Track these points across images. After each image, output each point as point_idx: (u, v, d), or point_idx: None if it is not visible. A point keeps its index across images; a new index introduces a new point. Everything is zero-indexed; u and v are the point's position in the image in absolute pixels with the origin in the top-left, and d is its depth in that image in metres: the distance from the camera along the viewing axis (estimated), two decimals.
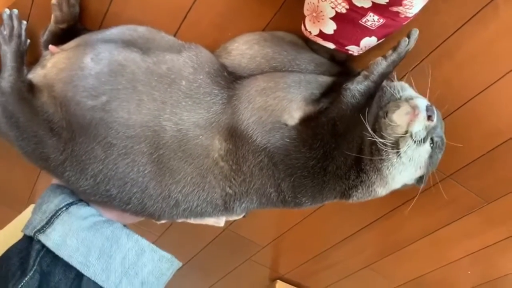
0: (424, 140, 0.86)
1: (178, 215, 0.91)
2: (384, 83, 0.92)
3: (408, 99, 0.86)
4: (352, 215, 1.36)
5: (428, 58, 0.93)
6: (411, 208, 1.13)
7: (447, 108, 0.99)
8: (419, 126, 0.84)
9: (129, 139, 0.83)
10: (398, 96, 0.89)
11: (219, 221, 1.18)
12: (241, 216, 1.08)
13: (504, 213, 1.26)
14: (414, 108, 0.85)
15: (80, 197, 0.92)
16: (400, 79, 0.96)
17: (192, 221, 1.00)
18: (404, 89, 0.92)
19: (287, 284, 1.77)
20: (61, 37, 0.92)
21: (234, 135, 0.86)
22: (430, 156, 0.90)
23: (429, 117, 0.84)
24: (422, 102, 0.85)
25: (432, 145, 0.89)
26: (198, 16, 0.92)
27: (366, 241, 1.48)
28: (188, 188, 0.88)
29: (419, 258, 1.54)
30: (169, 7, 0.91)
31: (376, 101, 0.91)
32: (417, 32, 0.87)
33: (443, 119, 1.00)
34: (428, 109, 0.85)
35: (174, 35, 0.94)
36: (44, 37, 0.94)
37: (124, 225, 1.04)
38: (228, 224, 1.48)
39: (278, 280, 1.76)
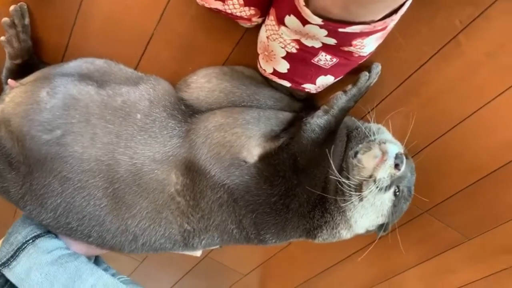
0: (388, 187, 0.84)
1: (138, 249, 0.90)
2: (360, 123, 0.90)
3: (381, 143, 0.84)
4: (329, 247, 1.32)
5: (393, 94, 0.90)
6: (392, 240, 1.10)
7: (416, 144, 0.96)
8: (384, 173, 0.82)
9: (84, 173, 0.82)
10: (372, 138, 0.86)
11: (195, 252, 1.16)
12: (217, 246, 1.06)
13: (485, 249, 1.21)
14: (384, 153, 0.82)
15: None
16: (379, 123, 0.94)
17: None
18: (380, 132, 0.90)
19: None
20: (21, 72, 0.92)
21: (192, 170, 0.85)
22: (394, 205, 0.87)
23: (396, 166, 0.82)
24: (393, 149, 0.83)
25: (397, 194, 0.86)
26: (157, 49, 0.91)
27: (349, 272, 1.44)
28: (145, 222, 0.86)
29: None
30: (128, 40, 0.90)
31: (341, 139, 0.89)
32: (379, 66, 0.85)
33: (415, 155, 0.98)
34: (397, 157, 0.82)
35: (135, 68, 0.93)
36: (3, 73, 0.94)
37: (96, 256, 1.03)
38: (208, 251, 1.46)
39: None
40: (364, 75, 0.84)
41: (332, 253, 1.38)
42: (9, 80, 0.89)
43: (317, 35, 0.69)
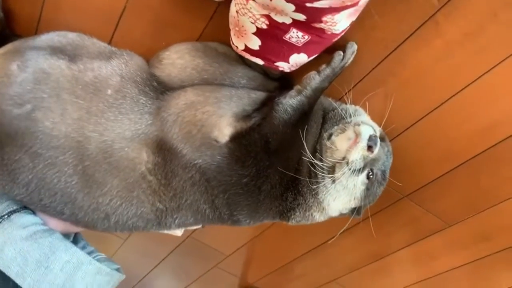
0: (361, 170, 0.82)
1: (111, 228, 0.89)
2: (337, 104, 0.89)
3: (355, 125, 0.83)
4: (312, 228, 1.32)
5: (370, 75, 0.88)
6: (372, 226, 1.09)
7: (394, 127, 0.94)
8: (357, 155, 0.81)
9: (54, 149, 0.81)
10: (349, 120, 0.85)
11: (176, 232, 1.16)
12: (199, 226, 1.06)
13: (466, 236, 1.21)
14: (358, 135, 0.81)
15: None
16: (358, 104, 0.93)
17: None
18: (357, 113, 0.89)
19: None
20: None
21: (163, 149, 0.84)
22: (367, 188, 0.86)
23: (369, 148, 0.81)
24: (366, 130, 0.82)
25: (371, 177, 0.84)
26: (130, 24, 0.89)
27: (329, 255, 1.44)
28: (116, 201, 0.85)
29: (385, 276, 1.49)
30: (100, 13, 0.88)
31: (316, 120, 0.88)
32: (354, 45, 0.83)
33: (393, 138, 0.96)
34: (371, 139, 0.81)
35: (109, 43, 0.91)
36: None
37: (76, 234, 1.03)
38: (191, 232, 1.46)
39: None
40: (338, 55, 0.82)
41: (316, 235, 1.37)
42: None
43: (285, 10, 0.66)
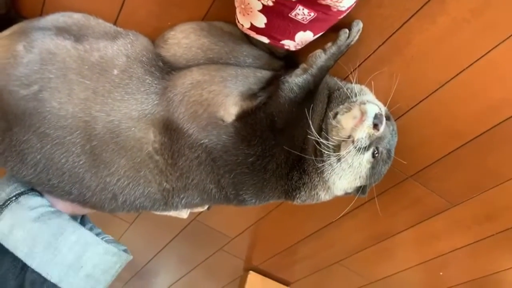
0: (367, 148, 0.83)
1: (118, 208, 0.90)
2: (342, 84, 0.89)
3: (361, 103, 0.83)
4: (316, 211, 1.33)
5: (376, 53, 0.88)
6: (380, 205, 1.10)
7: (399, 107, 0.95)
8: (362, 133, 0.81)
9: (62, 129, 0.82)
10: (354, 99, 0.85)
11: (181, 213, 1.17)
12: (204, 208, 1.06)
13: (470, 216, 1.21)
14: (363, 113, 0.81)
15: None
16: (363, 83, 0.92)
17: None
18: (362, 92, 0.89)
19: (260, 275, 1.76)
20: None
21: (170, 128, 0.84)
22: (373, 167, 0.86)
23: (375, 126, 0.81)
24: (372, 109, 0.82)
25: (376, 155, 0.85)
26: (136, 3, 0.89)
27: (332, 237, 1.45)
28: (123, 181, 0.86)
29: (389, 257, 1.51)
30: None
31: (322, 99, 0.88)
32: (360, 23, 0.83)
33: (398, 117, 0.97)
34: (376, 117, 0.81)
35: (114, 23, 0.91)
36: None
37: (83, 216, 1.03)
38: (196, 215, 1.47)
39: (250, 271, 1.75)
40: (344, 33, 0.82)
41: (320, 217, 1.38)
42: None
43: None
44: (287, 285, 1.83)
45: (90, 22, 0.87)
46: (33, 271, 0.82)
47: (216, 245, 1.65)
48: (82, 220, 1.05)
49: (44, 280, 0.82)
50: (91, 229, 1.03)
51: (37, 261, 0.83)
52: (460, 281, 1.55)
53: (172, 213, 1.11)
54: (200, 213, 1.45)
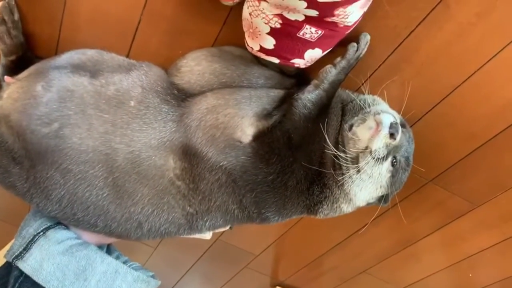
0: (385, 158, 0.83)
1: (144, 235, 0.91)
2: (355, 96, 0.90)
3: (375, 114, 0.84)
4: (339, 221, 1.32)
5: (386, 63, 0.89)
6: (403, 212, 1.10)
7: (413, 113, 0.95)
8: (380, 143, 0.81)
9: (84, 164, 0.84)
10: (368, 110, 0.86)
11: (205, 235, 1.18)
12: (227, 228, 1.07)
13: (495, 216, 1.20)
14: (378, 123, 0.82)
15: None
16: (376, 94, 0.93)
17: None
18: (376, 102, 0.89)
19: None
20: (16, 68, 0.93)
21: (189, 154, 0.85)
22: (393, 176, 0.86)
23: (392, 135, 0.81)
24: (387, 118, 0.82)
25: (395, 164, 0.85)
26: (146, 35, 0.91)
27: (357, 247, 1.44)
28: (148, 209, 0.87)
29: (416, 262, 1.49)
30: (116, 28, 0.91)
31: (336, 113, 0.89)
32: (367, 36, 0.84)
33: (413, 124, 0.97)
34: (392, 126, 0.81)
35: (127, 56, 0.94)
36: None
37: (108, 245, 1.05)
38: (219, 235, 1.48)
39: (277, 287, 1.75)
40: (352, 47, 0.83)
41: (343, 228, 1.38)
42: (5, 77, 0.90)
43: (297, 8, 0.68)
44: None
45: (103, 57, 0.89)
46: None
47: (241, 263, 1.65)
48: (108, 249, 1.07)
49: None
50: (117, 257, 1.04)
51: None
52: (490, 281, 1.53)
53: (197, 235, 1.12)
54: (222, 232, 1.45)
